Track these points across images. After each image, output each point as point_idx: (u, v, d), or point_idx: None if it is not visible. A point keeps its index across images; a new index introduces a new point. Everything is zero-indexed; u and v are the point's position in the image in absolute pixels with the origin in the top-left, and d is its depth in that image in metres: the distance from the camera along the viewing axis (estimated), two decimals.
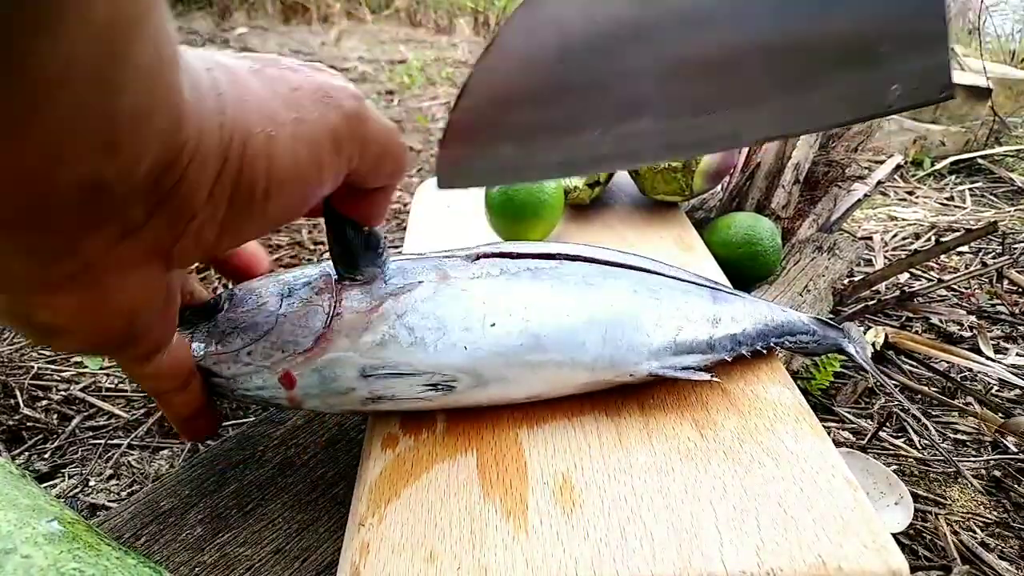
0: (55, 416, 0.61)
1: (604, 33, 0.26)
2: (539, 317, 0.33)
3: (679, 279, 0.38)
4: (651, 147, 0.30)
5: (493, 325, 0.32)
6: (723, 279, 0.50)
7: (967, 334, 0.83)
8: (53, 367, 0.67)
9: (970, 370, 0.74)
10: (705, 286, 0.39)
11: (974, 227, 1.13)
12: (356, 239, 0.32)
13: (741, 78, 0.27)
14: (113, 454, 0.57)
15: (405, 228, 0.80)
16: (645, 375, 0.34)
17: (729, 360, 0.36)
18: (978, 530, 0.55)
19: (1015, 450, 0.63)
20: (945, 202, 1.30)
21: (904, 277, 0.97)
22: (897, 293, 0.81)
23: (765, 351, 0.38)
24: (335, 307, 0.32)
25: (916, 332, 0.83)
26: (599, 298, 0.35)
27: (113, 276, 0.20)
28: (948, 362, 0.73)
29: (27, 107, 0.14)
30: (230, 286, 0.35)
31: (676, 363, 0.34)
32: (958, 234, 0.82)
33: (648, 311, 0.35)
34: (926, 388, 0.71)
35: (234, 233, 0.23)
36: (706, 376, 0.34)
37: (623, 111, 0.29)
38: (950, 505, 0.58)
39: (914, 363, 0.76)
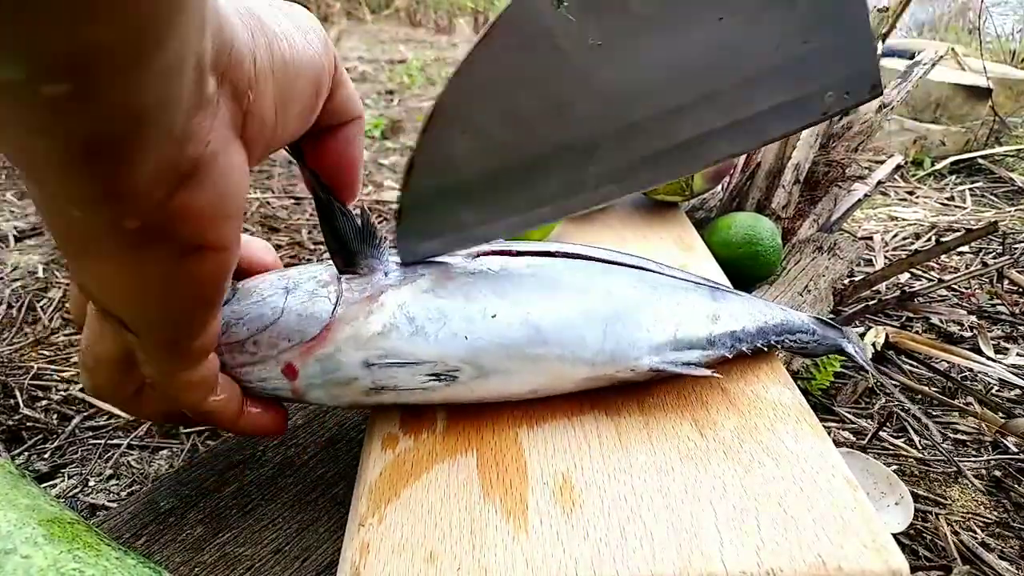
0: (55, 416, 0.61)
1: (547, 90, 0.27)
2: (539, 310, 0.33)
3: (677, 278, 0.38)
4: (607, 191, 0.31)
5: (494, 316, 0.32)
6: (723, 279, 0.50)
7: (967, 334, 0.83)
8: (53, 367, 0.67)
9: (970, 370, 0.74)
10: (703, 284, 0.39)
11: (974, 227, 1.13)
12: (349, 228, 0.32)
13: (685, 112, 0.28)
14: (113, 454, 0.57)
15: None
16: (646, 370, 0.34)
17: (730, 357, 0.36)
18: (978, 530, 0.55)
19: (1015, 450, 0.63)
20: (945, 202, 1.30)
21: (904, 277, 0.97)
22: (897, 293, 0.81)
23: (766, 348, 0.38)
24: (339, 298, 0.32)
25: (916, 332, 0.83)
26: (599, 293, 0.35)
27: (219, 156, 0.22)
28: (948, 362, 0.73)
29: (175, 9, 0.16)
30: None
31: (677, 358, 0.34)
32: (958, 234, 0.82)
33: (647, 306, 0.35)
34: (926, 388, 0.71)
35: (283, 116, 0.25)
36: (707, 372, 0.34)
37: (574, 161, 0.29)
38: (950, 505, 0.58)
39: (914, 363, 0.76)
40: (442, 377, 0.32)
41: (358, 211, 0.33)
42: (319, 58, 0.26)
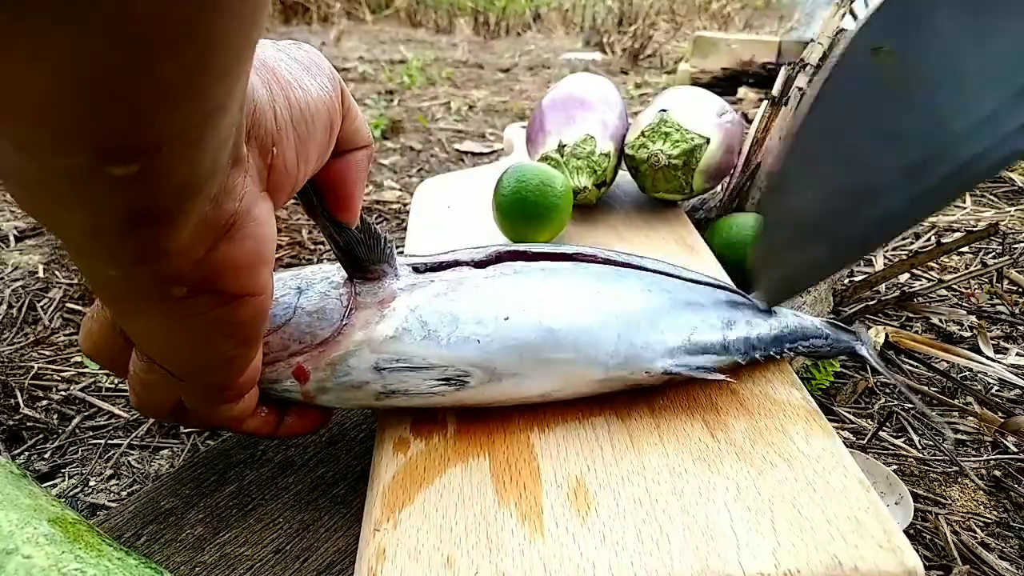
0: (55, 416, 0.61)
1: (882, 126, 0.29)
2: (553, 313, 0.33)
3: (693, 281, 0.38)
4: (938, 199, 0.32)
5: (507, 319, 0.32)
6: (727, 280, 0.49)
7: (967, 334, 0.83)
8: (53, 367, 0.66)
9: (970, 370, 0.74)
10: (718, 287, 0.39)
11: (975, 227, 1.13)
12: (350, 237, 0.32)
13: (1000, 112, 0.28)
14: (113, 454, 0.56)
15: (405, 228, 0.80)
16: (660, 373, 0.33)
17: (743, 363, 0.36)
18: (978, 530, 0.55)
19: (1015, 450, 0.63)
20: None
21: (904, 277, 0.97)
22: (897, 293, 0.81)
23: (779, 356, 0.38)
24: (352, 301, 0.32)
25: (916, 332, 0.83)
26: (614, 296, 0.35)
27: (252, 210, 0.22)
28: (948, 362, 0.73)
29: (233, 84, 0.17)
30: None
31: (691, 362, 0.34)
32: (959, 235, 0.82)
33: (662, 310, 0.35)
34: (926, 388, 0.71)
35: (303, 161, 0.26)
36: (721, 376, 0.34)
37: (910, 182, 0.31)
38: (950, 505, 0.58)
39: (914, 363, 0.77)
40: (452, 381, 0.32)
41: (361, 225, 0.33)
42: (329, 96, 0.26)
